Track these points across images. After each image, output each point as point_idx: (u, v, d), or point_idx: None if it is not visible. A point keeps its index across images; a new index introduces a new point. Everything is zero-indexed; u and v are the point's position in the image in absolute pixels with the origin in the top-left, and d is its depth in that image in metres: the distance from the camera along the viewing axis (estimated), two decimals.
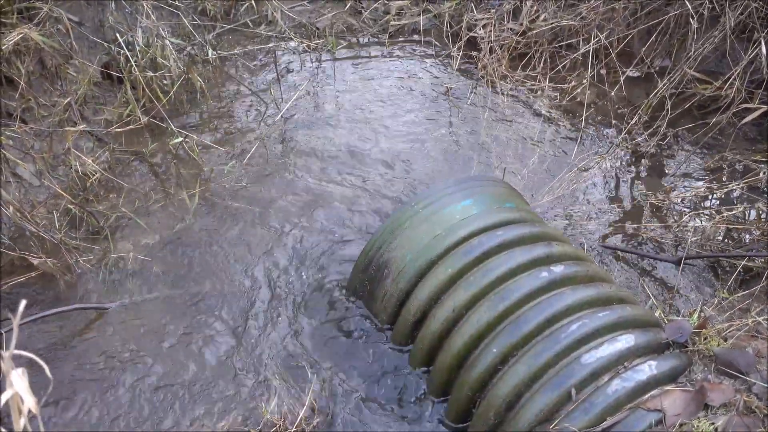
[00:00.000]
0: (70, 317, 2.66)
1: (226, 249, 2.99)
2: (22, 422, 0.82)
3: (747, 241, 2.96)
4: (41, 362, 0.90)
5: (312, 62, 4.26)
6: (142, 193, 3.25)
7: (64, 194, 2.97)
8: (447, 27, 4.44)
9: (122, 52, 3.51)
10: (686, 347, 2.04)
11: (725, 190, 3.25)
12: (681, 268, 2.85)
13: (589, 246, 3.01)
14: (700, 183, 3.36)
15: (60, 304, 2.67)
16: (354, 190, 3.29)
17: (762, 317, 2.15)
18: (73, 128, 3.19)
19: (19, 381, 0.80)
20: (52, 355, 2.52)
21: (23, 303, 0.88)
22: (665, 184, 3.37)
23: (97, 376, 2.46)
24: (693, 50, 3.62)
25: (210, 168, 3.39)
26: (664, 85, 3.60)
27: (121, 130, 3.45)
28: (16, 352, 0.80)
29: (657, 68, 3.99)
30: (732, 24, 3.51)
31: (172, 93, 3.60)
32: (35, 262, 2.75)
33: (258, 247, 2.99)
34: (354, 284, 2.65)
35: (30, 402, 0.81)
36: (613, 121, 3.77)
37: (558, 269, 2.19)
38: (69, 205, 2.99)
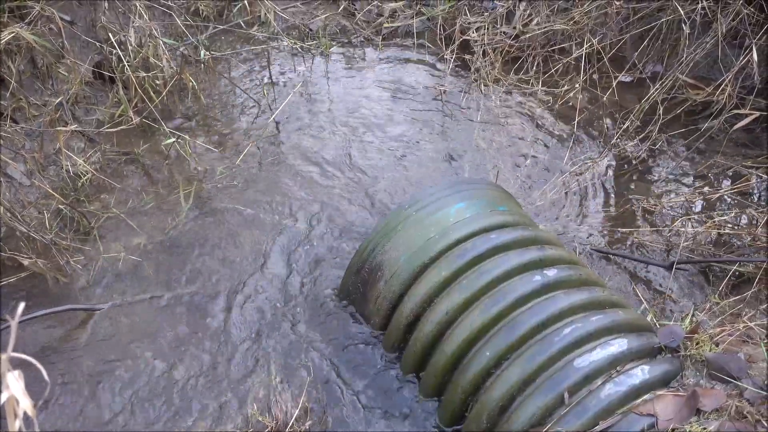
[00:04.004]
0: (62, 318, 2.64)
1: (218, 250, 2.98)
2: (17, 424, 0.82)
3: (738, 246, 2.97)
4: (39, 365, 0.89)
5: (305, 64, 4.25)
6: (134, 193, 3.24)
7: (55, 194, 2.95)
8: (440, 30, 4.45)
9: (114, 51, 3.50)
10: (678, 352, 2.04)
11: (716, 196, 3.27)
12: (672, 272, 2.86)
13: (581, 250, 3.02)
14: (692, 188, 3.37)
15: (51, 305, 2.64)
16: (346, 192, 3.28)
17: (753, 322, 2.16)
18: (64, 128, 3.17)
19: (15, 383, 0.80)
20: (43, 356, 2.50)
21: (22, 305, 0.87)
22: (657, 189, 3.39)
23: (88, 378, 2.44)
24: (685, 56, 3.64)
25: (202, 168, 3.38)
26: (656, 90, 3.61)
27: (113, 130, 3.43)
28: (14, 354, 0.80)
29: (649, 73, 4.01)
30: (724, 30, 3.53)
31: (164, 93, 3.59)
32: (25, 262, 2.73)
33: (250, 248, 2.98)
34: (347, 286, 2.65)
35: (26, 404, 0.80)
36: (606, 126, 3.79)
37: (551, 273, 2.20)
38: (60, 206, 2.97)
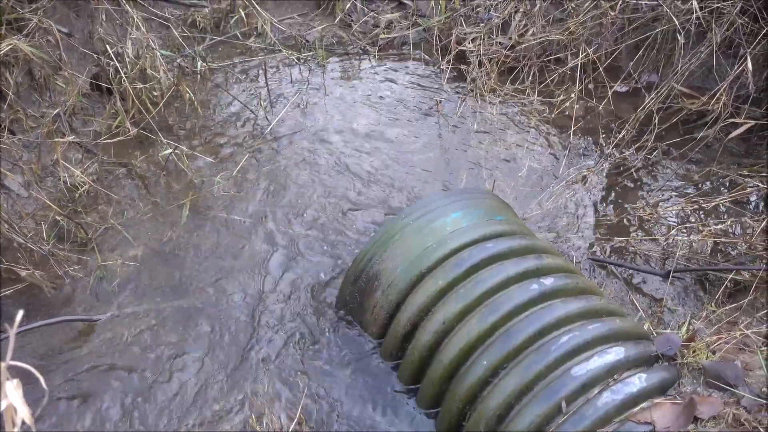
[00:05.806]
0: (59, 329, 2.64)
1: (216, 260, 2.98)
2: None
3: (734, 254, 2.98)
4: (37, 374, 0.90)
5: (301, 74, 4.27)
6: (131, 204, 3.24)
7: (53, 205, 2.96)
8: (436, 40, 4.46)
9: (112, 63, 3.51)
10: (675, 360, 2.05)
11: (712, 204, 3.28)
12: (669, 281, 2.87)
13: (578, 259, 3.03)
14: (688, 197, 3.38)
15: (48, 317, 2.64)
16: (343, 203, 3.29)
17: (750, 330, 2.17)
18: (61, 139, 3.18)
19: (13, 392, 0.80)
20: (41, 367, 2.50)
21: (20, 313, 0.87)
22: (653, 198, 3.40)
23: (85, 389, 2.44)
24: (680, 65, 3.65)
25: (200, 179, 3.38)
26: (651, 100, 3.62)
27: (110, 141, 3.44)
28: (12, 363, 0.80)
29: (644, 83, 4.03)
30: (718, 40, 3.55)
31: (161, 104, 3.60)
32: (23, 273, 2.73)
33: (247, 258, 2.99)
34: (344, 296, 2.65)
35: (24, 413, 0.81)
36: (601, 135, 3.80)
37: (548, 281, 2.20)
38: (57, 217, 2.97)
